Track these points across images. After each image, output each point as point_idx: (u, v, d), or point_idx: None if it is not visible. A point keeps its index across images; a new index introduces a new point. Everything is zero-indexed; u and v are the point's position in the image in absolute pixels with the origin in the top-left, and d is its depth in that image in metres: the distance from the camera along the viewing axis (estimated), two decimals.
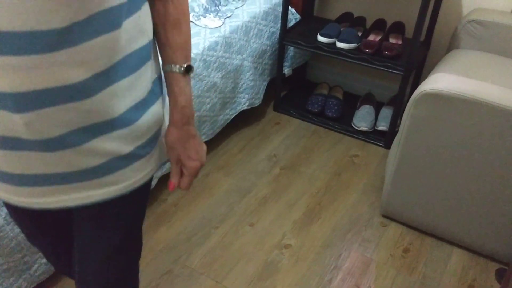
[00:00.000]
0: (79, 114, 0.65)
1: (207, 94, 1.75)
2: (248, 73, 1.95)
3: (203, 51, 1.71)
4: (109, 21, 0.63)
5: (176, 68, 0.75)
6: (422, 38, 2.00)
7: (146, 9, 0.71)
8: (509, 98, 1.30)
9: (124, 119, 0.70)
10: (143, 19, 0.70)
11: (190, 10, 1.84)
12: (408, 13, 2.03)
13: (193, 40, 1.72)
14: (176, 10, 0.73)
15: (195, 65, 1.67)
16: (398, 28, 2.02)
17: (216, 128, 1.87)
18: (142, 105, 0.73)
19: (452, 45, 1.89)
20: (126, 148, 0.73)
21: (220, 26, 1.83)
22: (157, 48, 0.78)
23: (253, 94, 2.02)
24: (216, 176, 1.84)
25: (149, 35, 0.73)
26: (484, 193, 1.44)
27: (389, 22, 2.05)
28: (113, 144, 0.71)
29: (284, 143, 2.04)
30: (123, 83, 0.68)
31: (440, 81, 1.38)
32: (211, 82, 1.75)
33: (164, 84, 0.80)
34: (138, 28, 0.69)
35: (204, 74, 1.71)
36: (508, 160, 1.35)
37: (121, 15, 0.65)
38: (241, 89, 1.95)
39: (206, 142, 1.85)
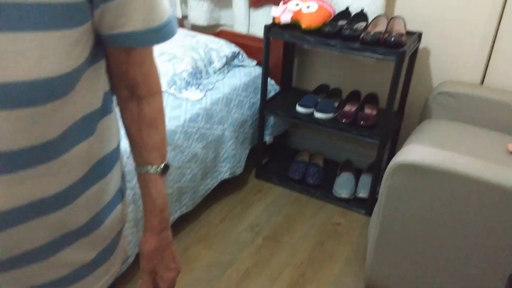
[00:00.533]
0: (48, 227, 0.60)
1: (187, 165, 1.76)
2: (229, 142, 1.98)
3: (184, 122, 1.75)
4: (84, 129, 0.61)
5: (153, 169, 0.71)
6: (396, 108, 2.09)
7: (116, 110, 0.70)
8: (480, 169, 1.34)
9: (90, 226, 0.66)
10: (114, 121, 0.69)
11: (172, 83, 1.91)
12: (381, 84, 2.13)
13: (175, 112, 1.77)
14: (151, 109, 0.70)
15: (176, 137, 1.70)
16: (372, 99, 2.11)
17: (197, 198, 1.87)
18: (109, 207, 0.71)
19: (424, 115, 1.97)
20: (90, 255, 0.68)
21: (202, 98, 1.89)
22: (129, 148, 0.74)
23: (235, 162, 2.04)
24: (196, 249, 1.80)
25: (118, 136, 0.71)
26: (461, 259, 1.44)
27: (364, 93, 2.15)
28: (78, 253, 0.66)
29: (266, 211, 2.04)
30: (95, 188, 0.66)
31: (414, 152, 1.43)
32: (192, 153, 1.77)
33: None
34: (110, 130, 0.68)
35: (185, 146, 1.74)
36: (480, 228, 1.36)
37: (96, 120, 0.63)
38: (222, 158, 1.97)
39: (186, 214, 1.83)
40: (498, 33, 1.85)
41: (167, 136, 1.64)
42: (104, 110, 0.65)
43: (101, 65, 0.64)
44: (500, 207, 1.32)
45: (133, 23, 0.60)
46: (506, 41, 1.84)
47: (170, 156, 1.67)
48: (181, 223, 1.88)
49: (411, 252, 1.51)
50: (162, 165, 0.72)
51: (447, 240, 1.43)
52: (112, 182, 0.70)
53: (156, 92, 0.70)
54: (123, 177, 0.76)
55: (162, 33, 0.63)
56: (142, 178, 0.72)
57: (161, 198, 0.72)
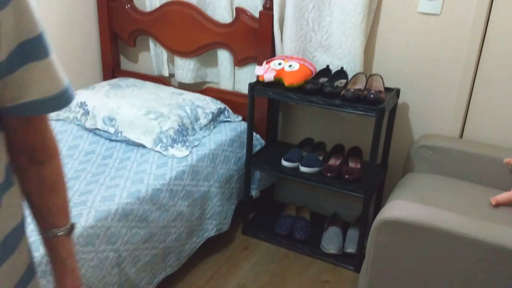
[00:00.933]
0: None
1: (173, 224, 1.74)
2: (215, 199, 1.97)
3: (169, 181, 1.74)
4: None
5: (61, 231, 0.72)
6: (379, 161, 2.12)
7: (16, 180, 0.69)
8: (464, 225, 1.35)
9: None
10: (17, 192, 0.68)
11: (158, 141, 1.92)
12: (364, 138, 2.17)
13: (160, 171, 1.77)
14: (52, 173, 0.71)
15: (161, 195, 1.69)
16: (356, 152, 2.14)
17: (182, 258, 1.83)
18: (21, 285, 0.68)
19: (407, 168, 2.00)
20: None
21: (188, 155, 1.90)
22: (32, 215, 0.73)
23: (221, 219, 2.02)
24: None
25: (23, 208, 0.70)
26: None
27: (347, 147, 2.18)
28: None
29: (253, 270, 2.00)
30: (5, 267, 0.64)
31: (399, 209, 1.44)
32: (177, 212, 1.75)
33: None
34: (15, 203, 0.67)
35: (170, 204, 1.72)
36: (467, 283, 1.35)
37: (0, 194, 0.63)
38: (208, 215, 1.96)
39: (171, 275, 1.79)
40: (474, 87, 1.92)
41: (152, 195, 1.64)
42: (7, 183, 0.65)
43: (1, 138, 0.65)
44: (485, 262, 1.32)
45: (35, 92, 0.62)
46: (482, 95, 1.91)
47: (155, 215, 1.66)
48: (166, 285, 1.82)
49: None
50: (69, 225, 0.73)
51: None
52: (21, 258, 0.68)
53: (54, 155, 0.72)
54: (30, 251, 0.74)
55: (61, 100, 0.66)
56: (49, 242, 0.73)
57: (71, 258, 0.74)
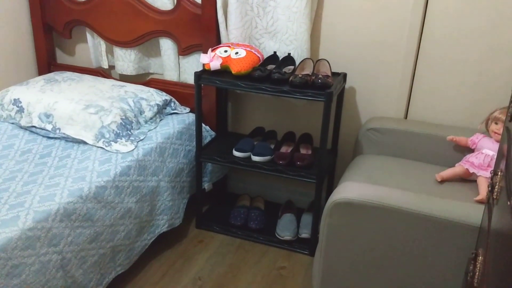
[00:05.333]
0: None
1: (121, 222, 1.66)
2: (165, 194, 1.91)
3: (114, 177, 1.66)
4: None
5: None
6: (329, 146, 2.13)
7: None
8: (411, 201, 1.38)
9: None
10: None
11: (100, 136, 1.82)
12: (314, 124, 2.17)
13: (104, 167, 1.68)
14: None
15: (106, 193, 1.60)
16: (306, 139, 2.14)
17: (133, 256, 1.75)
18: None
19: (356, 151, 2.02)
20: None
21: (133, 150, 1.81)
22: None
23: (173, 214, 1.95)
24: None
25: None
26: None
27: (298, 134, 2.18)
28: None
29: (209, 262, 1.95)
30: None
31: (349, 190, 1.44)
32: (125, 209, 1.67)
33: None
34: None
35: (116, 201, 1.64)
36: (418, 257, 1.38)
37: None
38: (159, 211, 1.89)
39: (122, 274, 1.71)
40: (416, 70, 1.97)
41: (96, 192, 1.55)
42: None
43: None
44: (434, 236, 1.35)
45: None
46: (424, 76, 1.96)
47: (101, 213, 1.57)
48: (118, 284, 1.74)
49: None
50: None
51: (388, 273, 1.44)
52: None
53: None
54: None
55: None
56: None
57: None
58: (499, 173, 0.93)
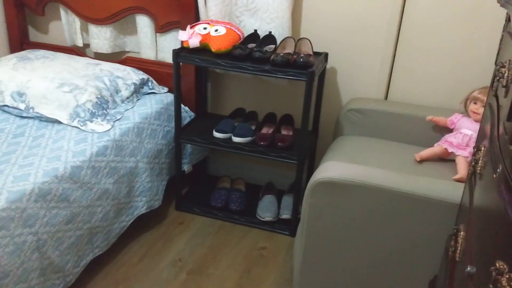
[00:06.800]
0: None
1: (98, 203, 1.62)
2: (143, 175, 1.86)
3: (90, 157, 1.61)
4: None
5: None
6: (310, 127, 2.12)
7: None
8: (390, 179, 1.38)
9: None
10: None
11: (75, 115, 1.76)
12: (295, 105, 2.16)
13: (80, 147, 1.63)
14: None
15: (82, 173, 1.55)
16: (287, 120, 2.13)
17: (111, 238, 1.71)
18: None
19: (337, 132, 2.02)
20: None
21: (109, 129, 1.76)
22: None
23: (152, 195, 1.92)
24: None
25: None
26: (385, 268, 1.45)
27: (279, 115, 2.16)
28: None
29: (189, 244, 1.93)
30: None
31: (331, 169, 1.44)
32: (101, 190, 1.63)
33: None
34: None
35: (93, 182, 1.59)
36: (399, 236, 1.40)
37: None
38: (137, 192, 1.85)
39: (101, 256, 1.67)
40: (396, 51, 1.97)
41: (71, 172, 1.50)
42: None
43: None
44: (413, 214, 1.36)
45: None
46: (404, 58, 1.96)
47: (77, 194, 1.52)
48: (95, 267, 1.71)
49: (337, 267, 1.50)
50: None
51: (370, 252, 1.45)
52: None
53: None
54: None
55: None
56: None
57: None
58: (482, 148, 0.94)
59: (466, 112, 1.76)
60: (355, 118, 1.95)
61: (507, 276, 0.58)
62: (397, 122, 1.90)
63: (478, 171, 0.91)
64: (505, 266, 0.59)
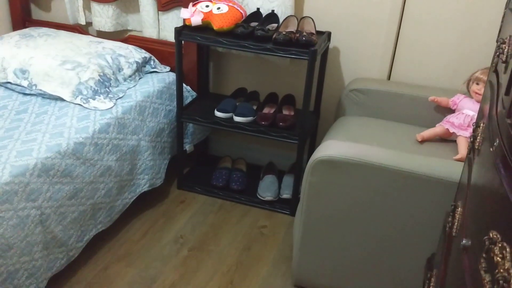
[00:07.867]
0: None
1: (101, 179, 1.63)
2: (146, 153, 1.88)
3: (93, 134, 1.62)
4: None
5: None
6: (312, 108, 2.12)
7: None
8: (391, 158, 1.39)
9: None
10: None
11: (78, 93, 1.77)
12: (296, 85, 2.15)
13: (82, 124, 1.64)
14: None
15: (85, 149, 1.56)
16: (289, 100, 2.12)
17: (114, 214, 1.74)
18: None
19: (338, 112, 2.02)
20: None
21: (112, 107, 1.77)
22: None
23: (154, 174, 1.94)
24: (116, 268, 1.67)
25: None
26: (383, 247, 1.47)
27: (281, 95, 2.16)
28: None
29: (191, 222, 1.96)
30: None
31: (331, 148, 1.44)
32: (104, 166, 1.65)
33: None
34: None
35: (96, 158, 1.61)
36: (398, 214, 1.41)
37: None
38: (139, 170, 1.86)
39: (103, 232, 1.70)
40: (400, 32, 1.95)
41: (74, 149, 1.52)
42: None
43: None
44: (413, 192, 1.37)
45: None
46: (407, 39, 1.95)
47: (80, 170, 1.54)
48: (98, 242, 1.74)
49: (335, 246, 1.52)
50: None
51: (369, 230, 1.46)
52: None
53: None
54: None
55: None
56: None
57: None
58: (481, 125, 0.94)
59: (468, 93, 1.76)
60: (357, 98, 1.95)
61: (499, 245, 0.58)
62: (399, 103, 1.90)
63: (476, 147, 0.92)
64: (498, 236, 0.60)
